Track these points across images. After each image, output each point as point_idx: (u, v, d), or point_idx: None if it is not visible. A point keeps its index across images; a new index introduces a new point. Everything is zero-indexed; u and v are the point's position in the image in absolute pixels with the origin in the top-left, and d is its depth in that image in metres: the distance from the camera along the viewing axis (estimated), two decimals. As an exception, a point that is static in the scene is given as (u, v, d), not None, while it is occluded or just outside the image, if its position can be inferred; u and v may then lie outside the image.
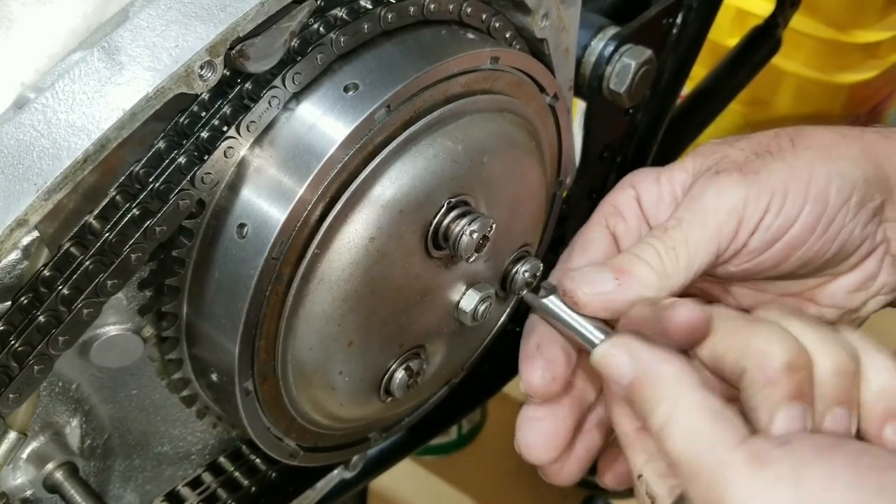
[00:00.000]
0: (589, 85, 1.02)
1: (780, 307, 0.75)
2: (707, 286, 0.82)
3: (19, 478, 0.80)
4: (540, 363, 0.77)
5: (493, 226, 0.77)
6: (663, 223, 0.77)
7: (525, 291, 0.82)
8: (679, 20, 1.12)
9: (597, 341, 0.73)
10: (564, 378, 0.78)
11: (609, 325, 0.75)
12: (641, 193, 0.82)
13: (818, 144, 0.77)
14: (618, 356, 0.70)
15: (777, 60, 1.50)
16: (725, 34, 1.92)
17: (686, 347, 0.72)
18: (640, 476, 0.71)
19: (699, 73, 1.31)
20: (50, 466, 0.80)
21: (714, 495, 0.61)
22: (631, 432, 0.72)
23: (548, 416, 0.78)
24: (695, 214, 0.75)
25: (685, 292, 0.77)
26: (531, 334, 0.79)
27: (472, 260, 0.77)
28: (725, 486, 0.61)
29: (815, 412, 0.69)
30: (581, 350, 0.78)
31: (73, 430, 0.82)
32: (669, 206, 0.80)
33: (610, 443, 0.83)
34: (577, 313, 0.75)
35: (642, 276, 0.74)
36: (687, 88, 1.29)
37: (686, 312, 0.69)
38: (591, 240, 0.82)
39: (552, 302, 0.76)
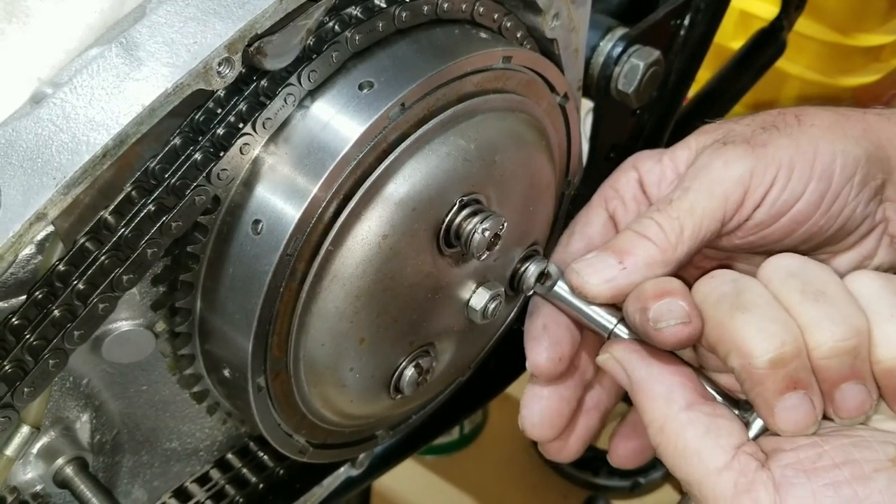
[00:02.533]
0: (597, 85, 1.03)
1: (786, 258, 0.74)
2: (707, 262, 0.83)
3: (29, 473, 0.80)
4: (546, 343, 0.79)
5: (505, 224, 0.77)
6: (668, 194, 0.78)
7: (534, 289, 0.82)
8: (687, 22, 1.13)
9: (609, 325, 0.76)
10: (570, 358, 0.79)
11: (619, 307, 0.76)
12: (644, 174, 0.83)
13: (822, 123, 0.78)
14: (615, 368, 0.74)
15: (780, 63, 1.51)
16: (729, 37, 1.93)
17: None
18: None
19: (703, 75, 1.31)
20: (60, 461, 0.80)
21: None
22: None
23: (553, 394, 0.80)
24: (701, 183, 0.76)
25: (691, 265, 0.79)
26: (536, 315, 0.81)
27: (483, 258, 0.77)
28: None
29: (823, 391, 0.69)
30: (586, 329, 0.80)
31: (83, 425, 0.82)
32: (672, 184, 0.80)
33: (621, 422, 0.84)
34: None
35: (646, 254, 0.75)
36: (691, 92, 1.30)
37: (670, 334, 0.70)
38: (590, 222, 0.84)
39: (561, 288, 0.78)
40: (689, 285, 0.74)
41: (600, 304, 0.76)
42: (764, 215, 0.76)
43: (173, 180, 0.66)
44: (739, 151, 0.76)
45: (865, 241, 0.80)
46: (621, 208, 0.83)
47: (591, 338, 0.81)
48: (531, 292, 0.84)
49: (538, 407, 0.80)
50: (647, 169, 0.83)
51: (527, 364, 0.80)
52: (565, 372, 0.80)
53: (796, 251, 0.79)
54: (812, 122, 0.77)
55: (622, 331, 0.76)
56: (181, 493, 0.93)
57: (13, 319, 0.64)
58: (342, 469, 1.03)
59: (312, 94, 0.70)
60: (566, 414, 0.81)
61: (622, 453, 0.84)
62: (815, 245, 0.79)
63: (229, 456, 0.95)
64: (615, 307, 0.76)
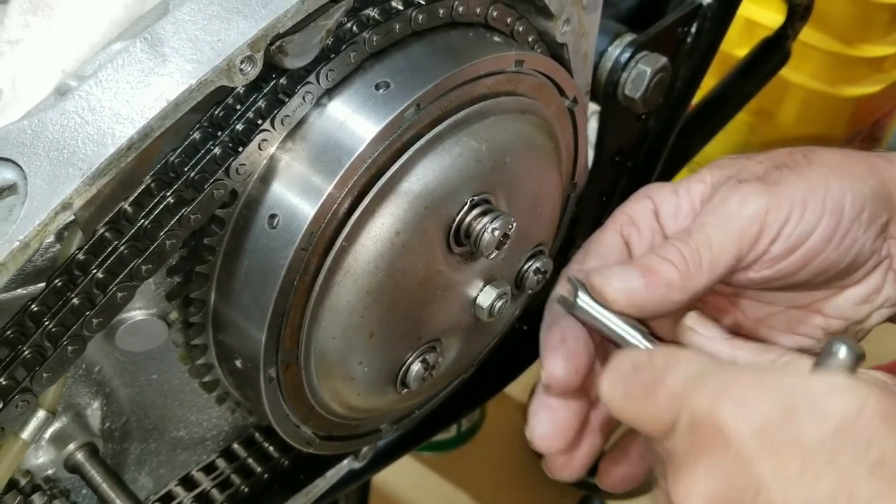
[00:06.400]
0: (604, 90, 1.04)
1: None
2: (716, 298, 0.84)
3: (41, 457, 0.82)
4: (563, 354, 0.78)
5: (514, 224, 0.78)
6: (687, 227, 0.79)
7: (559, 296, 0.82)
8: (694, 29, 1.14)
9: (631, 339, 0.76)
10: (585, 371, 0.79)
11: (643, 323, 0.76)
12: (659, 205, 0.83)
13: (830, 163, 0.80)
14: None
15: (784, 72, 1.52)
16: (735, 44, 1.94)
17: None
18: None
19: (708, 82, 1.33)
20: (71, 447, 0.81)
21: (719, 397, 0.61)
22: None
23: (562, 405, 0.80)
24: (718, 219, 0.78)
25: (700, 302, 0.80)
26: (555, 326, 0.80)
27: (491, 257, 0.79)
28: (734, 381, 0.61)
29: None
30: (599, 344, 0.80)
31: (94, 411, 0.84)
32: (688, 217, 0.82)
33: (613, 445, 0.85)
34: (610, 311, 0.77)
35: (668, 275, 0.76)
36: (696, 98, 1.31)
37: None
38: (606, 244, 0.84)
39: (584, 301, 0.78)
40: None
41: (623, 319, 0.76)
42: (780, 248, 0.78)
43: (192, 174, 0.67)
44: (754, 189, 0.78)
45: (872, 276, 0.82)
46: (636, 235, 0.83)
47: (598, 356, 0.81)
48: (571, 307, 0.82)
49: (547, 416, 0.79)
50: (662, 199, 0.83)
51: (543, 375, 0.79)
52: (580, 384, 0.79)
53: (808, 286, 0.81)
54: (820, 161, 0.80)
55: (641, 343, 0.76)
56: (187, 482, 0.94)
57: (32, 306, 0.66)
58: (345, 461, 1.04)
59: (330, 92, 0.71)
60: (575, 427, 0.80)
61: (614, 478, 0.84)
62: (826, 279, 0.81)
63: (235, 446, 0.96)
64: (640, 322, 0.76)
